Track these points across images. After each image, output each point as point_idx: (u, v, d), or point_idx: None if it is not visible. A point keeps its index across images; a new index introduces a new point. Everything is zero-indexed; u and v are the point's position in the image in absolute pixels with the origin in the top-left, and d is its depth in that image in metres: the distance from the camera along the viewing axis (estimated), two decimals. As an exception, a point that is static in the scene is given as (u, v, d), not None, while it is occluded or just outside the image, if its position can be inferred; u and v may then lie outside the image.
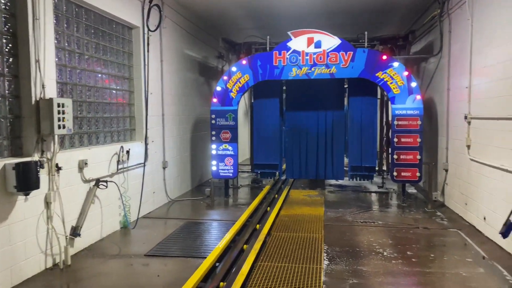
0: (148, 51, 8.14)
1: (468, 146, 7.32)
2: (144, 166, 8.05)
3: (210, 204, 9.33)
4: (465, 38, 7.52)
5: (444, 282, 4.98)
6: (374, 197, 10.16)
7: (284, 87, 10.71)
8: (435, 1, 9.07)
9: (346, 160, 10.77)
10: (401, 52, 10.36)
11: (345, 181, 11.42)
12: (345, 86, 10.90)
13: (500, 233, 5.64)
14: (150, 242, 6.49)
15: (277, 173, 10.54)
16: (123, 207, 7.31)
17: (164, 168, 9.27)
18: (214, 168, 9.76)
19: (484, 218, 6.64)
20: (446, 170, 8.71)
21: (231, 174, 9.72)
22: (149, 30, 8.04)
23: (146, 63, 8.22)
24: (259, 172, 10.55)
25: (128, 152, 7.47)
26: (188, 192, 10.73)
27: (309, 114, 10.36)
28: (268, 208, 8.78)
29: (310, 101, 10.30)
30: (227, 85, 9.64)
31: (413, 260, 5.67)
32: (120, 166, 7.23)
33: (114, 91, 7.61)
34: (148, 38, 8.13)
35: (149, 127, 8.29)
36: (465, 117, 7.37)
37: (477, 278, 5.04)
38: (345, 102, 11.06)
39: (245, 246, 6.23)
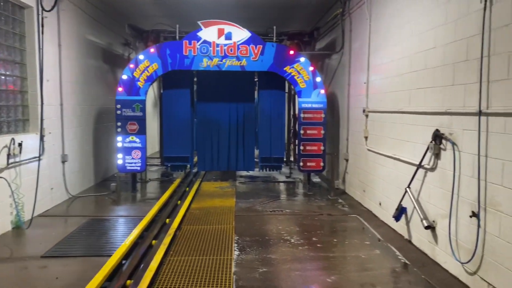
0: (42, 33, 7.42)
1: (366, 138, 7.91)
2: (40, 160, 7.37)
3: (116, 199, 8.86)
4: (364, 37, 8.07)
5: (346, 265, 5.33)
6: (282, 186, 10.51)
7: (195, 78, 10.55)
8: (338, 1, 9.59)
9: (257, 151, 10.97)
10: (307, 48, 10.79)
11: (256, 172, 11.63)
12: (256, 79, 11.05)
13: (393, 217, 6.19)
14: (48, 242, 5.96)
15: (188, 165, 10.39)
16: (15, 206, 6.61)
17: (63, 162, 8.58)
18: (120, 161, 9.28)
19: (380, 204, 7.25)
20: (347, 160, 9.33)
21: (138, 168, 9.33)
22: (43, 10, 7.33)
23: (41, 47, 7.48)
24: (169, 165, 10.30)
25: (20, 144, 6.76)
26: (92, 187, 10.08)
27: (221, 106, 10.33)
28: (179, 202, 8.61)
29: (221, 93, 10.29)
30: (134, 74, 9.20)
31: (318, 245, 5.97)
32: (11, 160, 6.51)
33: (2, 77, 6.81)
34: (42, 19, 7.41)
35: (45, 117, 7.59)
36: (363, 111, 7.93)
37: (374, 259, 5.47)
38: (256, 95, 11.23)
39: (154, 242, 6.03)
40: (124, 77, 9.20)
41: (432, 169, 5.29)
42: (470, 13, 4.45)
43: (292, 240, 6.16)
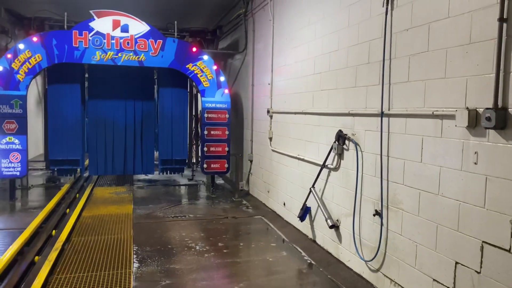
0: None
1: (270, 139, 7.89)
2: None
3: (-10, 210, 7.62)
4: (267, 38, 8.06)
5: (254, 269, 5.15)
6: (184, 190, 10.07)
7: (87, 74, 9.59)
8: (240, 0, 9.48)
9: (156, 153, 10.37)
10: (210, 47, 10.52)
11: (155, 176, 11.01)
12: (155, 76, 10.44)
13: (298, 217, 6.20)
14: None
15: (79, 169, 9.39)
16: None
17: None
18: (-7, 165, 8.01)
19: (284, 204, 7.26)
20: (251, 161, 9.25)
21: (18, 173, 8.14)
22: None
23: None
24: (55, 169, 9.20)
25: None
26: None
27: (116, 103, 9.54)
28: (68, 210, 7.69)
29: (117, 90, 9.50)
30: (12, 65, 8.00)
31: (225, 251, 5.72)
32: None
33: None
34: None
35: None
36: (268, 111, 7.91)
37: (281, 261, 5.39)
38: (156, 93, 10.62)
39: (37, 258, 5.21)
40: (0, 68, 7.95)
41: (336, 168, 5.38)
42: (372, 17, 4.58)
43: (197, 247, 5.81)
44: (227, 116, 9.18)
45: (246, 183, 9.52)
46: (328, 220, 5.42)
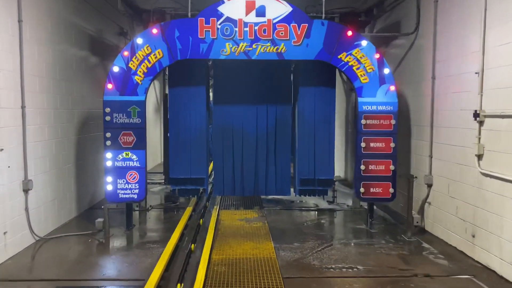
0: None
1: (479, 156, 5.24)
2: (-21, 194, 4.71)
3: (104, 242, 6.20)
4: (468, 6, 5.45)
5: None
6: (329, 218, 7.82)
7: (212, 71, 7.92)
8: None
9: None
10: (361, 30, 8.15)
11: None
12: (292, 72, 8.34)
13: None
14: None
15: (203, 189, 7.75)
16: None
17: (26, 190, 5.91)
18: (109, 187, 6.63)
19: (514, 261, 4.58)
20: (429, 186, 6.64)
21: (135, 196, 6.66)
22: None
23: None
24: (177, 189, 7.64)
25: None
26: (72, 221, 7.41)
27: (246, 109, 7.71)
28: (193, 246, 5.96)
29: (247, 91, 7.66)
30: (130, 65, 6.55)
31: None
32: None
33: None
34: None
35: (-10, 127, 4.95)
36: (476, 115, 5.27)
37: None
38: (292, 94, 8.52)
39: None
40: (116, 69, 6.56)
41: None
42: None
43: None
44: (393, 122, 6.73)
45: (420, 216, 6.90)
46: None
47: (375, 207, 7.72)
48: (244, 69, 7.49)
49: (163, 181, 10.29)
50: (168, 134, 7.66)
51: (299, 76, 7.51)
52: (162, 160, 11.47)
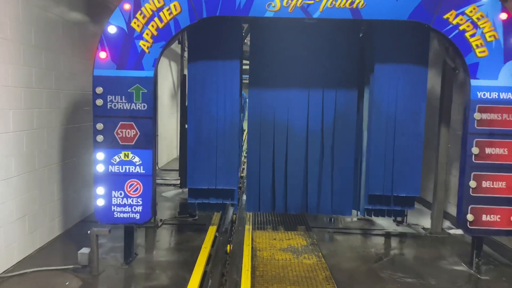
0: None
1: None
2: None
3: (90, 285, 4.17)
4: None
5: None
6: (409, 249, 5.64)
7: (249, 39, 5.75)
8: None
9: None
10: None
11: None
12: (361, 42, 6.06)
13: None
14: None
15: (231, 205, 5.68)
16: None
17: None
18: (100, 202, 4.58)
19: None
20: None
21: (137, 216, 4.60)
22: None
23: None
24: (197, 202, 5.55)
25: None
26: (55, 242, 5.41)
27: (294, 94, 5.56)
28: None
29: (296, 70, 5.50)
30: (132, 24, 4.45)
31: None
32: None
33: None
34: None
35: None
36: None
37: None
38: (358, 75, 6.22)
39: None
40: (112, 30, 4.45)
41: None
42: None
43: None
44: (522, 118, 4.48)
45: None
46: None
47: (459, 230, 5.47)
48: (294, 37, 5.35)
49: (178, 180, 8.21)
50: (186, 127, 5.55)
51: (375, 47, 5.25)
52: (178, 155, 9.44)
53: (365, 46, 5.55)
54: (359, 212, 5.80)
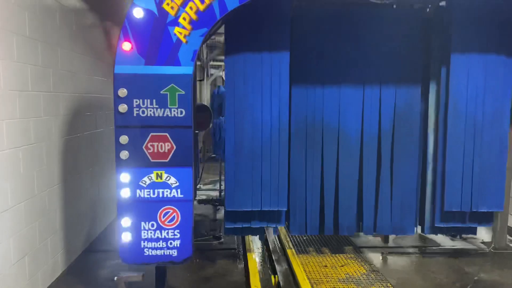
0: None
1: None
2: None
3: None
4: None
5: None
6: (485, 273, 4.80)
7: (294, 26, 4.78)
8: None
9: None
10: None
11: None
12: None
13: None
14: None
15: (275, 228, 4.74)
16: None
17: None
18: (126, 237, 3.55)
19: None
20: None
21: (175, 253, 3.61)
22: None
23: None
24: (234, 227, 4.56)
25: None
26: (59, 282, 4.35)
27: (346, 92, 4.65)
28: None
29: (348, 62, 4.59)
30: (164, 6, 3.42)
31: None
32: None
33: None
34: None
35: None
36: None
37: None
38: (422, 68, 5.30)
39: None
40: (138, 13, 3.42)
41: None
42: None
43: None
44: None
45: None
46: None
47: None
48: (344, 24, 4.44)
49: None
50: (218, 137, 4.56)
51: (453, 31, 4.34)
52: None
53: (434, 30, 4.64)
54: (422, 229, 4.96)
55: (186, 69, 3.48)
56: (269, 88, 4.22)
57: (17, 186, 3.62)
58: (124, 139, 3.46)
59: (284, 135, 4.29)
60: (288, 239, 5.57)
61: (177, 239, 3.59)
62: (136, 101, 3.46)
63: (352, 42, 4.55)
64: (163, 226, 3.57)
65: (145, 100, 3.47)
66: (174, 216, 3.58)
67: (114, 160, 3.50)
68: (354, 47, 4.56)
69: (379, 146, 4.73)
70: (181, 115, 3.51)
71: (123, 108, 3.44)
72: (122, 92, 3.43)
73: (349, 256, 5.12)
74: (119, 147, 3.47)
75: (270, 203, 4.32)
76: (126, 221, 3.53)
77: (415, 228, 4.94)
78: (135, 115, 3.46)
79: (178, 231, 3.59)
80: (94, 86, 5.54)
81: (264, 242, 5.36)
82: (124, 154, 3.47)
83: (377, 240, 5.70)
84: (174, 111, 3.50)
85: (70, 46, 4.79)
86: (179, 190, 3.57)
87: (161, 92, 3.47)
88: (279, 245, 5.38)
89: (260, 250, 5.29)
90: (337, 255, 5.16)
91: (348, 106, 4.65)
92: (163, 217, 3.57)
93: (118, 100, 3.45)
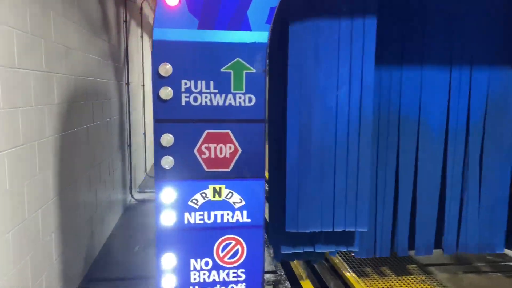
0: None
1: None
2: None
3: None
4: None
5: None
6: None
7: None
8: None
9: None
10: None
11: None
12: None
13: None
14: None
15: (345, 251, 3.69)
16: None
17: None
18: (169, 283, 2.41)
19: None
20: None
21: (242, 304, 2.50)
22: None
23: None
24: (293, 252, 3.47)
25: None
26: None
27: (428, 75, 3.61)
28: None
29: (430, 37, 3.55)
30: None
31: None
32: None
33: None
34: None
35: None
36: None
37: None
38: None
39: None
40: (189, -50, 2.26)
41: None
42: None
43: None
44: None
45: None
46: None
47: None
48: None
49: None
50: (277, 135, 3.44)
51: None
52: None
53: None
54: (509, 245, 4.05)
55: (258, 36, 2.37)
56: (348, 66, 3.12)
57: (4, 209, 2.42)
58: (167, 139, 2.31)
59: (366, 132, 3.21)
60: (340, 257, 4.55)
61: (241, 281, 2.50)
62: (186, 83, 2.32)
63: (438, 15, 3.52)
64: (222, 264, 2.46)
65: (198, 82, 2.33)
66: (237, 250, 2.48)
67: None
68: (439, 21, 3.53)
69: (466, 145, 3.75)
70: (250, 104, 2.40)
71: (166, 93, 2.29)
72: (165, 70, 2.28)
73: (420, 279, 4.15)
74: (160, 151, 2.33)
75: (345, 223, 3.26)
76: (169, 259, 2.40)
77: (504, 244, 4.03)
78: (183, 103, 2.32)
79: (243, 270, 2.50)
80: (89, 67, 4.32)
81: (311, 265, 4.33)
82: (167, 162, 2.33)
83: (435, 255, 4.78)
84: (240, 98, 2.38)
85: (63, 11, 3.55)
86: (245, 213, 2.47)
87: (222, 70, 2.34)
88: (331, 266, 4.37)
89: (307, 274, 4.26)
90: (403, 277, 4.18)
91: (431, 94, 3.63)
92: (222, 251, 2.46)
93: (158, 81, 2.29)
